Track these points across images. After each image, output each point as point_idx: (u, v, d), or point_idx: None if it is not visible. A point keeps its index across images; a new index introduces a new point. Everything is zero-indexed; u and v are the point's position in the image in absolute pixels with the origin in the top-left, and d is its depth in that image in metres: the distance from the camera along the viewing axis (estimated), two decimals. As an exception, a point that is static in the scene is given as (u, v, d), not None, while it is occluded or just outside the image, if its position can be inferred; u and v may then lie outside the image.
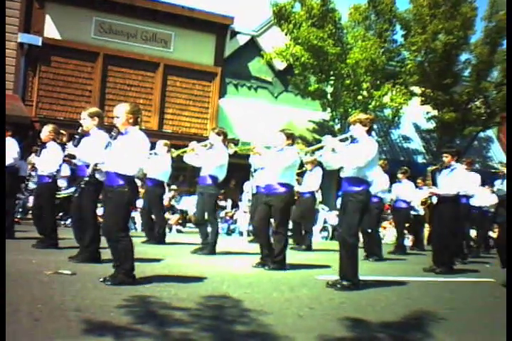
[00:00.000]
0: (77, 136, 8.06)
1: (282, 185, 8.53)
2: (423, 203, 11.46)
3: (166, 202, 15.83)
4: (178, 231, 15.97)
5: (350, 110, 20.28)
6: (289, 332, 4.54)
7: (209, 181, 10.21)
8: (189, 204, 17.03)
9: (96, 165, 6.59)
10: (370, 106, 20.74)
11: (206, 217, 10.33)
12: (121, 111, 6.42)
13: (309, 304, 5.83)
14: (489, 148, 27.44)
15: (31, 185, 14.27)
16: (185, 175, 19.87)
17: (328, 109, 21.41)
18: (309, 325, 4.95)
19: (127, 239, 6.34)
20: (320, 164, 12.08)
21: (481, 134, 25.31)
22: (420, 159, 24.68)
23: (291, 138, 8.77)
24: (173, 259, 9.01)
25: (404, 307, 6.03)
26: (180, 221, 16.57)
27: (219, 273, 7.75)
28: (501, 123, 24.19)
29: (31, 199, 15.03)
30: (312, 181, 12.71)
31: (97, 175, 6.79)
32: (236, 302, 5.67)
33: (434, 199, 10.24)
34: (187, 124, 21.17)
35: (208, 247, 10.12)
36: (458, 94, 22.76)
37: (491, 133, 26.96)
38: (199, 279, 7.03)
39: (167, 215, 15.81)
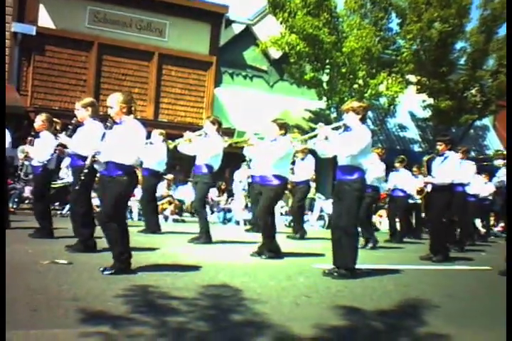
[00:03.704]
0: (70, 126, 8.04)
1: (276, 177, 8.50)
2: (419, 192, 11.44)
3: (163, 192, 15.86)
4: (175, 220, 15.96)
5: (346, 99, 20.20)
6: (286, 321, 4.55)
7: (204, 170, 10.20)
8: (185, 193, 17.05)
9: (94, 156, 6.57)
10: (366, 95, 20.71)
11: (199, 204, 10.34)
12: (114, 101, 6.39)
13: (306, 292, 5.84)
14: (485, 136, 27.46)
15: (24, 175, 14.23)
16: (181, 165, 19.83)
17: (324, 98, 21.36)
18: (306, 313, 4.96)
19: (123, 226, 6.35)
20: (311, 152, 12.08)
21: (477, 122, 25.29)
22: (416, 148, 24.70)
23: (284, 127, 8.74)
24: (170, 249, 9.01)
25: (400, 295, 6.05)
26: (176, 210, 16.56)
27: (216, 263, 7.76)
28: (497, 112, 24.17)
29: (27, 189, 15.08)
30: (305, 170, 12.70)
31: (96, 166, 6.76)
32: (233, 291, 5.68)
33: (430, 188, 10.26)
34: (182, 113, 21.13)
35: (203, 236, 10.13)
36: (454, 82, 22.72)
37: (487, 121, 26.93)
38: (196, 268, 7.03)
39: (164, 205, 15.84)
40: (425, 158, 10.70)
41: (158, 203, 15.03)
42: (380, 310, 5.24)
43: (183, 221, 16.02)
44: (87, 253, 7.58)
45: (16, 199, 14.78)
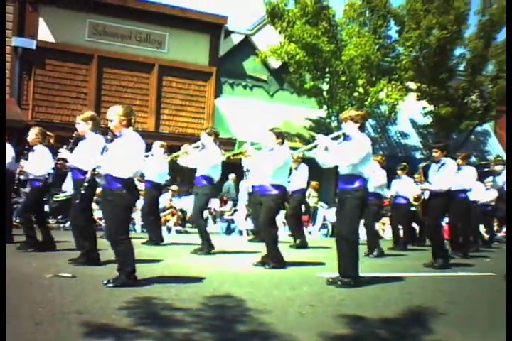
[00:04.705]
0: (71, 140, 8.05)
1: (275, 186, 8.48)
2: (416, 200, 11.38)
3: (166, 203, 15.87)
4: (178, 231, 15.95)
5: (346, 107, 20.25)
6: (291, 331, 4.54)
7: (204, 181, 10.22)
8: (188, 204, 17.05)
9: (94, 170, 6.56)
10: (366, 103, 20.75)
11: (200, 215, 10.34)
12: (113, 114, 6.39)
13: (310, 302, 5.83)
14: (486, 142, 27.45)
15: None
16: (183, 176, 19.85)
17: (325, 107, 21.41)
18: (310, 322, 4.95)
19: (127, 241, 6.33)
20: (304, 161, 12.07)
21: (478, 128, 25.31)
22: (418, 155, 24.69)
23: (281, 137, 8.72)
24: (173, 260, 9.01)
25: (404, 303, 6.03)
26: (179, 221, 16.55)
27: (219, 273, 7.75)
28: (498, 117, 24.17)
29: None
30: (299, 179, 12.55)
31: (97, 180, 6.76)
32: (237, 301, 5.67)
33: (427, 195, 10.23)
34: (184, 125, 21.18)
35: (205, 246, 10.12)
36: (453, 88, 22.77)
37: (487, 127, 26.96)
38: (200, 279, 7.02)
39: (167, 216, 15.83)
40: (421, 165, 10.68)
41: (161, 214, 15.07)
42: (385, 318, 5.23)
43: (186, 232, 16.01)
44: (90, 266, 7.58)
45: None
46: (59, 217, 15.00)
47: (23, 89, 18.67)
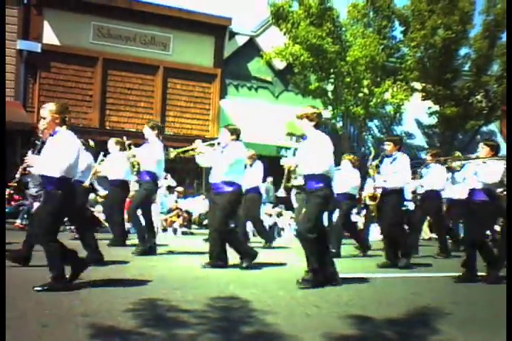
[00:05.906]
0: (38, 143, 7.75)
1: (228, 183, 8.36)
2: (371, 198, 10.97)
3: (171, 205, 15.90)
4: (184, 233, 15.95)
5: (351, 108, 20.30)
6: (297, 332, 4.54)
7: (146, 177, 9.96)
8: (194, 205, 17.07)
9: (24, 169, 6.34)
10: (371, 103, 20.73)
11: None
12: (46, 112, 6.20)
13: (316, 302, 5.84)
14: (492, 142, 27.36)
15: (32, 191, 14.21)
16: (190, 177, 19.89)
17: (330, 107, 21.38)
18: (316, 323, 4.95)
19: (54, 243, 6.00)
20: (260, 158, 11.88)
21: (484, 128, 25.25)
22: (423, 155, 24.59)
23: (236, 133, 8.61)
24: (179, 261, 9.02)
25: (409, 303, 6.03)
26: (185, 223, 16.55)
27: (225, 274, 7.75)
28: (503, 117, 24.12)
29: (35, 205, 15.12)
30: (254, 176, 11.88)
31: (28, 179, 6.57)
32: (243, 302, 5.68)
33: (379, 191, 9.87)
34: (188, 126, 21.18)
35: (140, 244, 9.80)
36: (459, 88, 22.73)
37: (493, 127, 26.89)
38: (205, 280, 7.04)
39: (173, 218, 15.83)
40: (374, 163, 10.04)
41: (167, 216, 15.15)
42: (390, 318, 5.23)
43: (192, 233, 16.01)
44: (96, 267, 7.58)
45: (25, 216, 14.82)
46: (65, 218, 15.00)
47: (29, 92, 18.68)
